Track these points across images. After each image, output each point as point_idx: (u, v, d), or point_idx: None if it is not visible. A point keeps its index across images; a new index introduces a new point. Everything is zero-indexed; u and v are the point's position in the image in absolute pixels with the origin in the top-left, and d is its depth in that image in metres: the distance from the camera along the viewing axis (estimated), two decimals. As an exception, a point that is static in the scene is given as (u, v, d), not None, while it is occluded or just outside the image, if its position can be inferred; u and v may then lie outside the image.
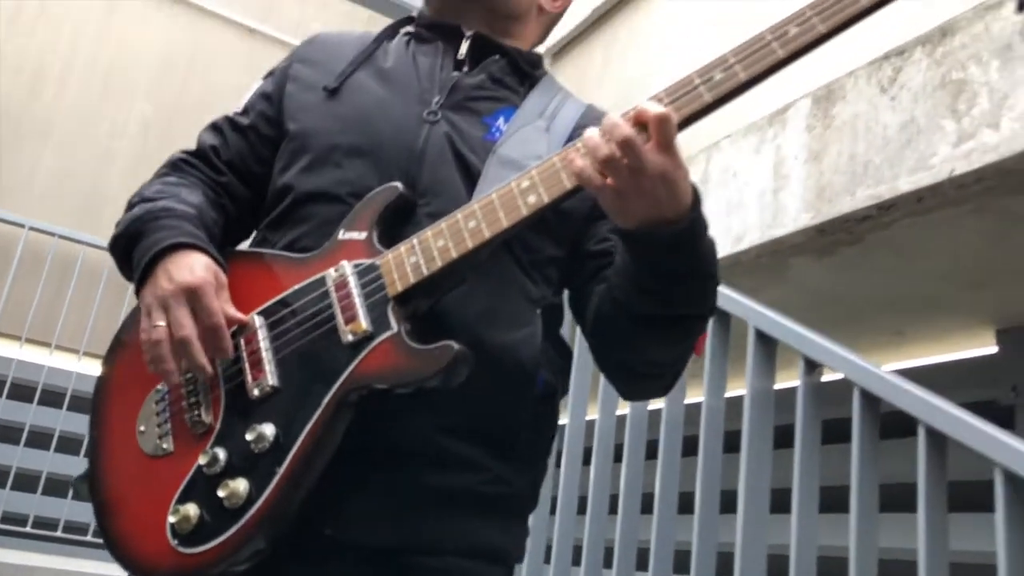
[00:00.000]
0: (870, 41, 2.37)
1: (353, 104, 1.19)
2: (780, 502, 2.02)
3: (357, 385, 0.98)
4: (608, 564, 2.33)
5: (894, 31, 2.34)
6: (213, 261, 1.07)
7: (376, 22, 6.04)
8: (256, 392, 1.02)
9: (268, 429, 0.99)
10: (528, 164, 1.03)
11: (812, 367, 2.01)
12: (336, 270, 1.05)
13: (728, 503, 2.10)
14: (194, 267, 1.04)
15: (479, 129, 1.17)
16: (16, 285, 4.75)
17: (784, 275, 2.86)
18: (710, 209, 1.01)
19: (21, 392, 4.58)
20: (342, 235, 1.08)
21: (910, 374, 1.86)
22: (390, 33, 1.31)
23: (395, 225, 1.08)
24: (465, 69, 1.22)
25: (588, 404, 2.58)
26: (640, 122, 0.93)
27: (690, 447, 2.25)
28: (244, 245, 1.23)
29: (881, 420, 1.86)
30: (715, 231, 1.03)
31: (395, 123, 1.16)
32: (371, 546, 1.03)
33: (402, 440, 1.04)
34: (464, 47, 1.24)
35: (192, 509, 0.99)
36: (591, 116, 1.22)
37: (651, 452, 2.34)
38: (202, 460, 1.01)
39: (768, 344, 2.11)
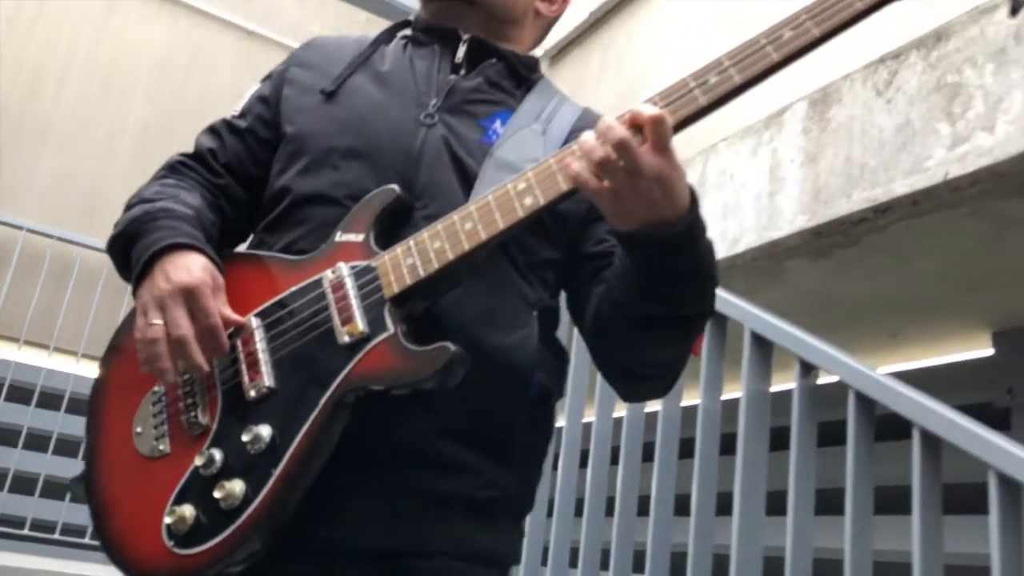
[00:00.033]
0: (866, 44, 2.38)
1: (350, 107, 1.19)
2: (776, 504, 2.03)
3: (354, 386, 0.99)
4: (605, 566, 2.34)
5: (889, 34, 2.35)
6: (211, 262, 1.08)
7: (374, 24, 6.05)
8: (253, 393, 1.02)
9: (264, 430, 0.99)
10: (524, 167, 1.03)
11: (808, 370, 2.01)
12: (333, 272, 1.05)
13: (724, 505, 2.10)
14: (192, 268, 1.05)
15: (476, 132, 1.17)
16: (14, 287, 4.75)
17: (781, 277, 2.87)
18: (706, 212, 1.02)
19: (19, 394, 4.58)
20: (339, 237, 1.08)
21: (906, 376, 1.87)
22: (387, 37, 1.31)
23: (392, 227, 1.08)
24: (462, 72, 1.22)
25: (585, 407, 2.58)
26: (635, 124, 0.93)
27: (686, 449, 2.25)
28: (242, 247, 1.23)
29: (876, 422, 1.87)
30: (711, 234, 1.04)
31: (392, 126, 1.16)
32: (366, 548, 1.04)
33: (398, 442, 1.04)
34: (461, 51, 1.24)
35: (188, 510, 0.99)
36: (587, 119, 1.23)
37: (647, 454, 2.34)
38: (198, 461, 1.01)
39: (764, 347, 2.12)
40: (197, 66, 6.08)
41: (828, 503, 2.09)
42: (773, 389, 2.13)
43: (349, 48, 1.28)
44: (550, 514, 2.52)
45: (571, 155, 0.97)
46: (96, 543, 1.08)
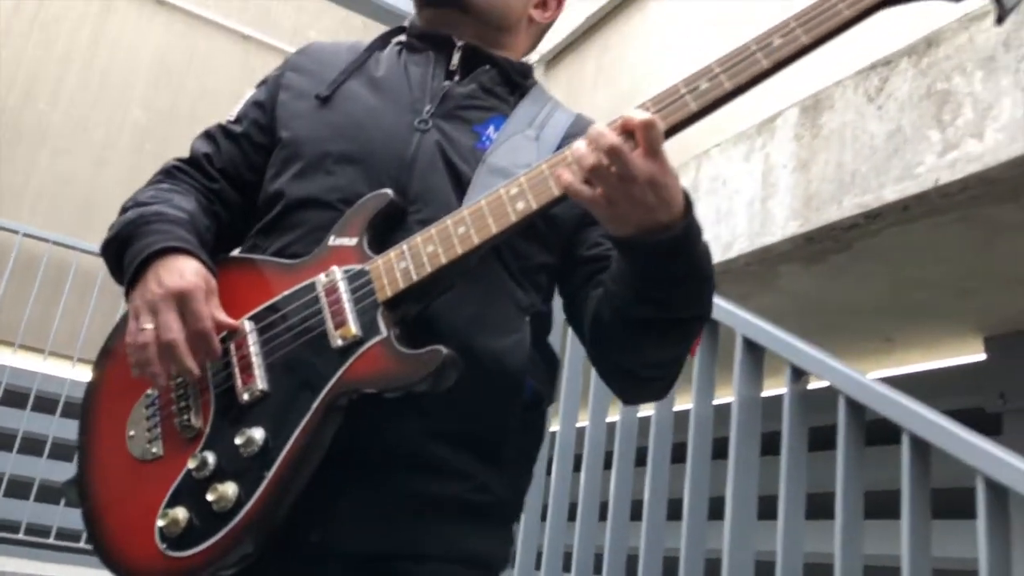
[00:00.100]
0: (857, 51, 2.40)
1: (345, 112, 1.20)
2: (767, 508, 2.04)
3: (346, 389, 0.99)
4: (598, 570, 2.34)
5: (881, 41, 2.37)
6: (204, 267, 1.08)
7: (371, 29, 6.06)
8: (246, 396, 1.03)
9: (257, 433, 1.00)
10: (517, 172, 1.03)
11: (799, 375, 2.02)
12: (326, 275, 1.06)
13: (716, 510, 2.11)
14: (184, 272, 1.05)
15: (469, 138, 1.18)
16: (10, 291, 4.74)
17: (773, 283, 2.88)
18: (699, 217, 1.03)
19: (14, 398, 4.56)
20: (332, 241, 1.09)
21: (900, 382, 1.88)
22: (381, 43, 1.32)
23: (385, 232, 1.09)
24: (456, 79, 1.23)
25: (579, 411, 2.59)
26: (627, 130, 0.94)
27: (679, 454, 2.26)
28: (236, 251, 1.24)
29: (866, 427, 1.88)
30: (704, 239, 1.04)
31: (386, 131, 1.17)
32: (358, 551, 1.04)
33: (390, 444, 1.05)
34: (455, 57, 1.25)
35: (181, 513, 0.99)
36: (580, 125, 1.23)
37: (641, 459, 2.35)
38: (191, 464, 1.01)
39: (755, 352, 2.13)
40: (194, 71, 6.08)
41: (818, 507, 2.10)
42: (764, 394, 2.14)
43: (344, 54, 1.29)
44: (544, 518, 2.53)
45: (564, 167, 0.97)
46: (91, 547, 1.08)
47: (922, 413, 1.70)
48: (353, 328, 1.01)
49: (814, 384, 2.02)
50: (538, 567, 2.51)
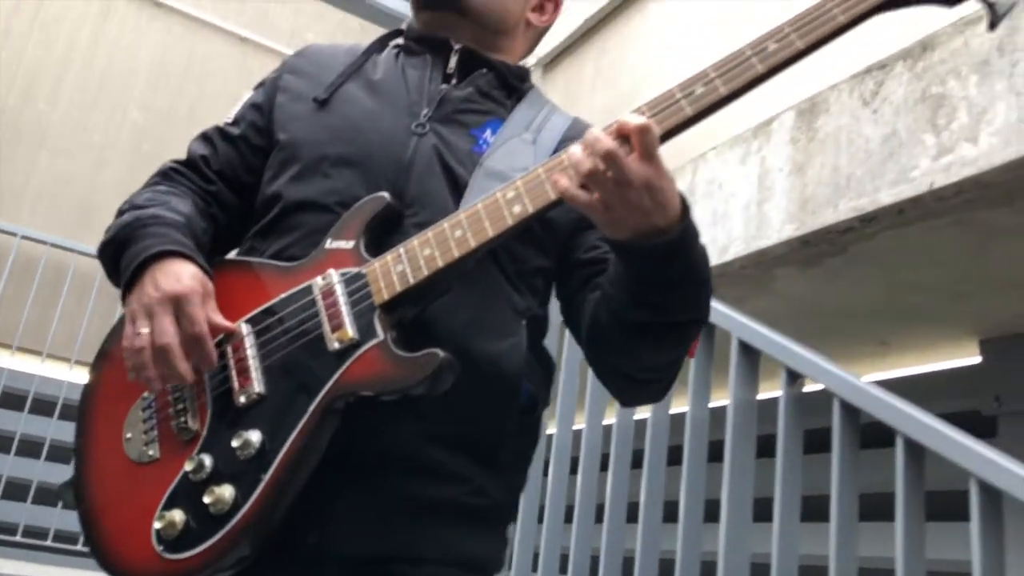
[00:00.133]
0: (852, 55, 2.41)
1: (342, 115, 1.20)
2: (762, 511, 2.04)
3: (343, 392, 0.99)
4: (594, 572, 2.34)
5: (876, 45, 2.37)
6: (200, 270, 1.08)
7: (368, 32, 6.07)
8: (243, 399, 1.03)
9: (254, 436, 1.00)
10: (514, 176, 1.03)
11: (794, 378, 2.03)
12: (323, 278, 1.06)
13: (712, 512, 2.11)
14: (181, 275, 1.05)
15: (466, 141, 1.18)
16: (8, 293, 4.73)
17: (769, 286, 2.88)
18: (695, 220, 1.03)
19: (12, 401, 4.56)
20: (329, 244, 1.09)
21: (895, 385, 1.89)
22: (379, 46, 1.32)
23: (382, 235, 1.09)
24: (453, 82, 1.23)
25: (575, 414, 2.59)
26: (622, 134, 0.94)
27: (675, 456, 2.27)
28: (232, 254, 1.24)
29: (861, 430, 1.88)
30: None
31: (384, 134, 1.17)
32: (355, 554, 1.04)
33: (387, 448, 1.05)
34: (453, 61, 1.25)
35: (178, 515, 0.99)
36: (577, 129, 1.23)
37: (636, 462, 2.35)
38: (188, 466, 1.01)
39: (751, 355, 2.13)
40: (192, 73, 6.08)
41: (814, 510, 2.10)
42: (760, 397, 2.14)
43: (342, 56, 1.29)
44: (541, 520, 2.53)
45: (560, 172, 0.97)
46: (88, 550, 1.09)
47: (916, 416, 1.70)
48: (350, 331, 1.01)
49: (809, 387, 2.02)
50: (535, 569, 2.51)
